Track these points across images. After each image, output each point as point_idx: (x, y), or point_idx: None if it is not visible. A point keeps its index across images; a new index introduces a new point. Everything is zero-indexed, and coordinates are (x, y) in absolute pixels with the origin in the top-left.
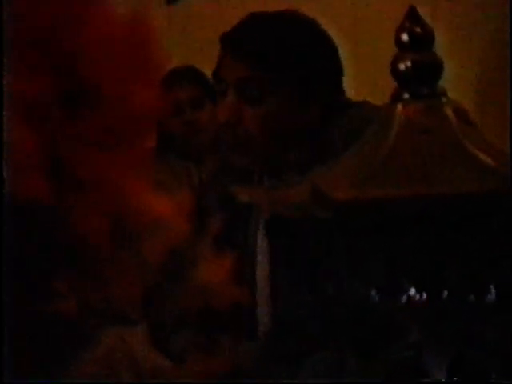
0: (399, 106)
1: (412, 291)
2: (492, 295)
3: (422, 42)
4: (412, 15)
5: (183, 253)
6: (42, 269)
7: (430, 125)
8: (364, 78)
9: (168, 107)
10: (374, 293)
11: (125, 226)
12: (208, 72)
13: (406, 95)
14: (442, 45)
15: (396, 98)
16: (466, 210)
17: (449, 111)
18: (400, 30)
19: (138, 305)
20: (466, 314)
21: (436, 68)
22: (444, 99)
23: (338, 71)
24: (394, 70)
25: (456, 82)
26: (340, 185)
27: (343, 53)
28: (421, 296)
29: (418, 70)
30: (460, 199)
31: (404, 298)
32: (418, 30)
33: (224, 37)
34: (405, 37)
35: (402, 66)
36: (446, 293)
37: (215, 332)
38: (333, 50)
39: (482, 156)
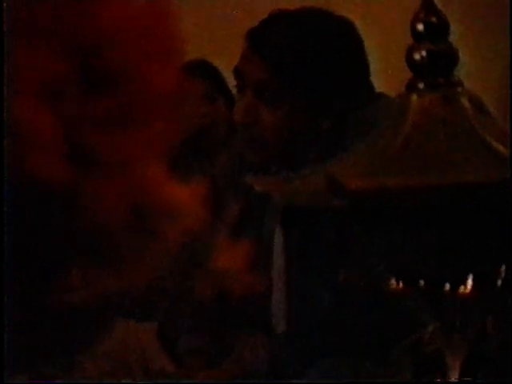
0: (414, 96)
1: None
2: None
3: (437, 31)
4: (427, 5)
5: (200, 241)
6: (54, 255)
7: (445, 115)
8: (379, 69)
9: (188, 91)
10: (388, 282)
11: (142, 214)
12: (220, 66)
13: (422, 85)
14: (455, 34)
15: (411, 88)
16: (481, 199)
17: (464, 101)
18: (415, 19)
19: (151, 296)
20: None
21: (451, 58)
22: (459, 89)
23: (365, 70)
24: (410, 60)
25: (472, 72)
26: (355, 174)
27: None
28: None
29: (434, 60)
30: (476, 189)
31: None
32: (434, 19)
33: (250, 33)
34: (420, 27)
35: (417, 56)
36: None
37: (229, 325)
38: (360, 50)
39: (498, 146)
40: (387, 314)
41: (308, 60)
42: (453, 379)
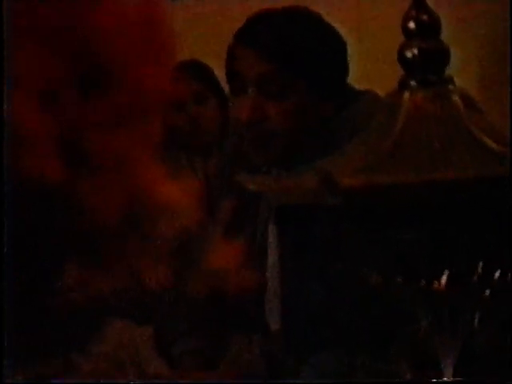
0: (406, 94)
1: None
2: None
3: (428, 29)
4: (418, 3)
5: (194, 239)
6: (51, 256)
7: (437, 112)
8: (370, 66)
9: (181, 92)
10: (381, 279)
11: (137, 213)
12: (212, 66)
13: (413, 83)
14: (445, 32)
15: (403, 85)
16: (473, 195)
17: (456, 98)
18: (407, 17)
19: (146, 297)
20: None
21: (443, 55)
22: (451, 86)
23: (344, 66)
24: (401, 58)
25: (460, 70)
26: (348, 171)
27: (348, 40)
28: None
29: (425, 58)
30: (467, 185)
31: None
32: (425, 17)
33: (239, 33)
34: (411, 25)
35: (408, 54)
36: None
37: (223, 324)
38: (340, 45)
39: (490, 142)
40: (381, 310)
41: (304, 52)
42: (447, 377)
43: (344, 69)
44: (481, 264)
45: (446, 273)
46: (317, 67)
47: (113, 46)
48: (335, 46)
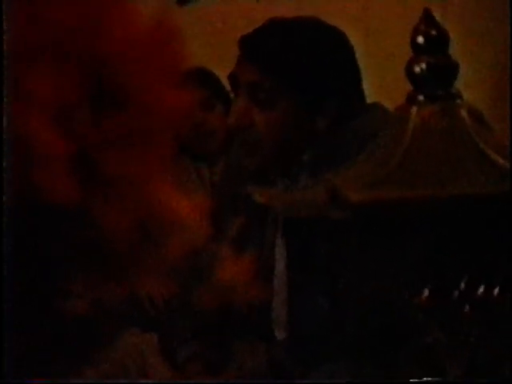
0: (414, 108)
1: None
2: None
3: (437, 44)
4: (427, 18)
5: (203, 254)
6: (59, 264)
7: (445, 127)
8: (378, 81)
9: (193, 107)
10: (389, 292)
11: (146, 227)
12: (219, 73)
13: (421, 97)
14: (453, 46)
15: (411, 100)
16: (481, 211)
17: (464, 113)
18: (415, 32)
19: (153, 308)
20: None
21: (451, 70)
22: (459, 101)
23: (356, 78)
24: (410, 73)
25: (469, 84)
26: (356, 186)
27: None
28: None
29: (433, 73)
30: (475, 201)
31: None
32: (434, 32)
33: (242, 39)
34: (420, 39)
35: (417, 69)
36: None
37: (230, 333)
38: (351, 58)
39: (497, 158)
40: (386, 321)
41: (299, 62)
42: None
43: (353, 82)
44: (476, 278)
45: (429, 287)
46: (318, 80)
47: (126, 65)
48: (343, 60)
